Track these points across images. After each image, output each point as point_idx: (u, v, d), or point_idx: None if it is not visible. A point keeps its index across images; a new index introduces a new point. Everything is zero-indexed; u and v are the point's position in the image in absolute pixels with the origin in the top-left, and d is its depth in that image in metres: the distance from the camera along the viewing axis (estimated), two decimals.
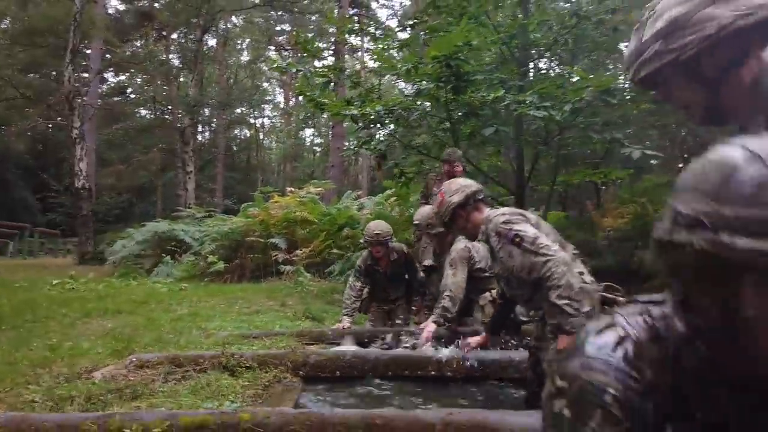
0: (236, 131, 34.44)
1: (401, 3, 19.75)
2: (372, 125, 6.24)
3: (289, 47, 27.35)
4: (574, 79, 7.21)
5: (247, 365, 2.76)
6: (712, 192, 0.59)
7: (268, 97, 36.96)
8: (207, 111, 24.73)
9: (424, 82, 5.37)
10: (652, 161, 5.15)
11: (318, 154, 32.82)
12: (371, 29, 8.02)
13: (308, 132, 33.69)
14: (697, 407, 0.67)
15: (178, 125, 16.76)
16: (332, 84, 8.38)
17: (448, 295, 3.47)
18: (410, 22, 7.84)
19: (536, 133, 6.53)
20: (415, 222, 4.38)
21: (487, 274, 3.52)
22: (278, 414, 1.69)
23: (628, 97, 6.13)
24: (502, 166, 8.22)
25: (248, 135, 37.13)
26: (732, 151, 0.61)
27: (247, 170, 33.79)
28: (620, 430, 0.65)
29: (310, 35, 30.09)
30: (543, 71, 8.16)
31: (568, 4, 6.43)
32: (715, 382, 0.66)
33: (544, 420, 0.74)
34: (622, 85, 5.22)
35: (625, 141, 5.71)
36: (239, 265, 8.71)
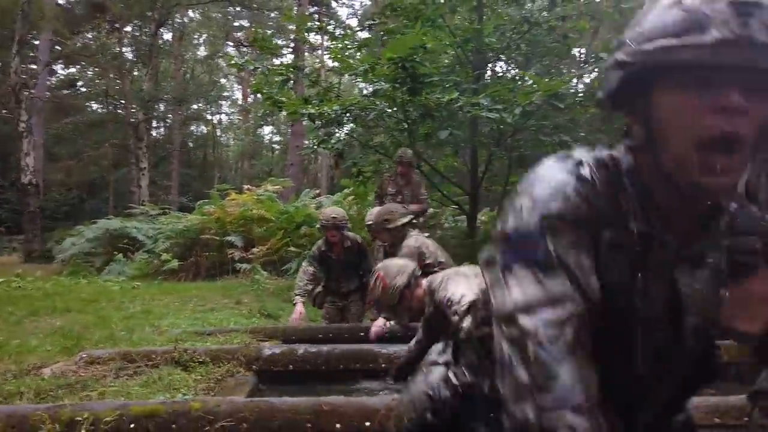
0: (192, 127, 33.76)
1: (361, 2, 19.79)
2: (330, 125, 6.28)
3: (247, 44, 27.00)
4: (528, 83, 7.48)
5: (200, 360, 2.79)
6: None
7: (225, 93, 36.40)
8: (162, 106, 24.17)
9: (380, 83, 5.46)
10: None
11: (277, 152, 32.52)
12: (330, 28, 8.08)
13: (267, 129, 33.33)
14: None
15: (132, 120, 16.33)
16: (291, 82, 8.41)
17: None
18: (369, 23, 7.94)
19: (490, 134, 6.71)
20: (368, 223, 4.48)
21: (437, 269, 3.64)
22: (228, 402, 1.74)
23: (576, 102, 6.40)
24: (458, 167, 8.41)
25: (205, 131, 36.47)
26: None
27: (203, 167, 33.12)
28: None
29: (269, 32, 29.83)
30: (498, 75, 8.37)
31: (522, 11, 6.61)
32: None
33: None
34: (571, 90, 5.43)
35: (575, 144, 5.95)
36: (194, 263, 8.60)
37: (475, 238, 7.02)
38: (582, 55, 13.03)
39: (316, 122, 6.38)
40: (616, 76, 0.73)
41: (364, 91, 6.68)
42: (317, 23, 8.68)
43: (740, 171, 0.69)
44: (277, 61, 11.33)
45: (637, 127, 0.76)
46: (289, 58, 27.26)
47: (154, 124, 26.52)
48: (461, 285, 2.06)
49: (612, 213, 0.75)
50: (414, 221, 4.11)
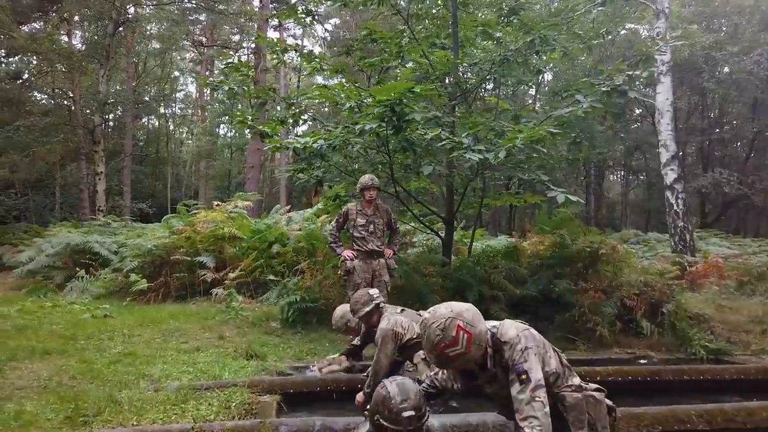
0: (144, 120, 32.68)
1: (325, 8, 19.62)
2: (313, 158, 6.30)
3: (206, 44, 26.34)
4: (501, 111, 7.71)
5: None
6: None
7: (180, 88, 35.41)
8: (113, 98, 23.23)
9: (367, 124, 5.52)
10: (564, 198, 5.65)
11: (234, 152, 31.91)
12: (305, 51, 8.05)
13: (224, 128, 32.63)
14: None
15: (90, 124, 15.66)
16: (264, 105, 8.36)
17: (371, 373, 3.78)
18: (346, 49, 7.97)
19: (469, 168, 6.89)
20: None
21: (417, 339, 3.76)
22: None
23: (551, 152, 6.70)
24: (432, 189, 8.56)
25: (157, 125, 35.36)
26: None
27: (156, 162, 32.18)
28: None
29: (225, 27, 29.14)
30: (473, 98, 8.55)
31: (502, 50, 6.80)
32: None
33: None
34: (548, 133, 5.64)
35: (548, 183, 6.19)
36: (164, 283, 8.43)
37: (450, 266, 7.20)
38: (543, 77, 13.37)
39: (300, 155, 6.40)
40: None
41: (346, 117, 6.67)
42: (291, 45, 8.64)
43: None
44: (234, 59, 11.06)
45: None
46: (250, 58, 26.81)
47: (105, 116, 25.50)
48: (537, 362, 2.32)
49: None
50: (382, 303, 4.16)
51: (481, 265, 7.16)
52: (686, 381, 4.63)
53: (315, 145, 5.95)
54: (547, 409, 2.19)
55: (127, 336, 5.68)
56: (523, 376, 2.21)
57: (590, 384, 2.47)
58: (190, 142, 33.89)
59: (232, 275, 7.93)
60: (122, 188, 19.93)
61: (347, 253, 5.69)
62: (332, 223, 6.02)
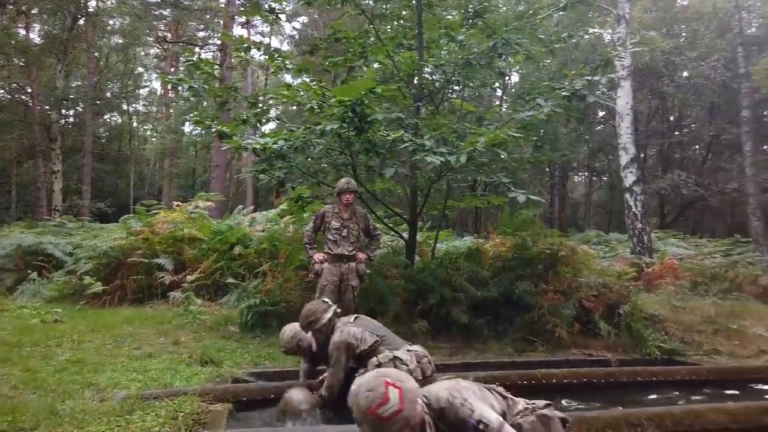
0: (106, 117, 31.85)
1: (292, 7, 19.44)
2: (274, 159, 6.20)
3: (170, 40, 25.78)
4: (465, 113, 7.73)
5: None
6: None
7: (144, 84, 34.57)
8: (72, 94, 22.53)
9: (328, 125, 5.45)
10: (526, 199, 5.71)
11: (199, 150, 31.34)
12: (271, 50, 7.91)
13: (188, 126, 31.99)
14: None
15: (47, 120, 15.13)
16: (226, 104, 8.20)
17: (326, 387, 3.76)
18: (311, 49, 7.88)
19: (432, 170, 6.87)
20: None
21: (375, 346, 3.71)
22: None
23: (514, 154, 6.74)
24: (394, 191, 8.53)
25: (120, 122, 34.47)
26: None
27: (118, 161, 31.38)
28: None
29: (191, 23, 28.58)
30: (437, 99, 8.55)
31: (466, 53, 6.80)
32: None
33: None
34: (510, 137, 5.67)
35: (510, 185, 6.23)
36: (120, 286, 8.17)
37: (413, 267, 7.18)
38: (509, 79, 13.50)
39: (261, 156, 6.28)
40: None
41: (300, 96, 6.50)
42: (257, 42, 8.48)
43: None
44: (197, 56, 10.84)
45: None
46: (215, 54, 26.34)
47: (63, 112, 24.72)
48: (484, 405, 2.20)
49: None
50: (338, 313, 4.07)
51: (443, 268, 7.14)
52: (640, 383, 4.70)
53: (275, 146, 5.86)
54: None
55: (77, 342, 5.47)
56: (481, 425, 2.11)
57: (537, 402, 2.44)
58: (154, 139, 33.13)
59: (190, 278, 7.74)
60: (81, 187, 19.31)
61: (317, 257, 5.62)
62: (309, 224, 5.94)
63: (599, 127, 26.31)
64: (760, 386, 5.02)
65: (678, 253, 11.67)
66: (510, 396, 2.45)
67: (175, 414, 3.45)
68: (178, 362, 4.90)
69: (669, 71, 21.62)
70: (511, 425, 2.23)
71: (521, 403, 2.42)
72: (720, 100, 22.83)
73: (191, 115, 29.21)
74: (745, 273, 9.18)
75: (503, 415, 2.28)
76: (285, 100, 6.96)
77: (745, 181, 16.81)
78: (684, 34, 23.52)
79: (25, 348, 5.19)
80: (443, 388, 2.26)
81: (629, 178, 10.66)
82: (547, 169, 25.36)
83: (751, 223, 15.36)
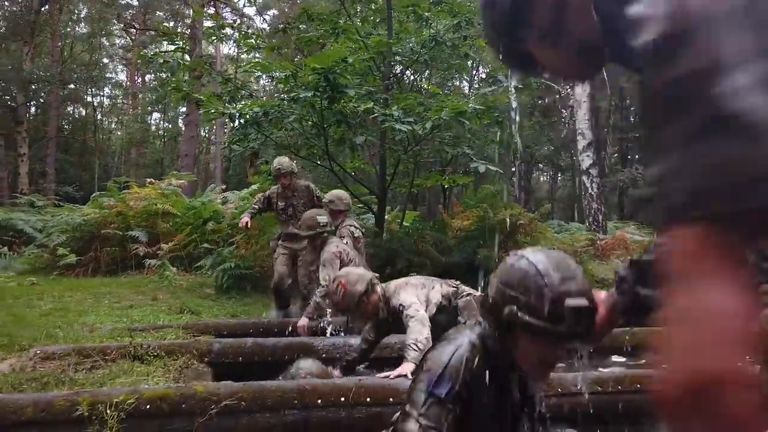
0: (70, 108, 31.25)
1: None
2: (248, 126, 6.47)
3: (138, 27, 25.53)
4: (432, 94, 8.14)
5: (156, 354, 3.01)
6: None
7: (109, 75, 34.02)
8: (44, 91, 22.15)
9: (302, 92, 5.77)
10: (491, 171, 6.14)
11: (166, 140, 31.04)
12: (243, 28, 8.18)
13: (155, 116, 31.69)
14: None
15: (10, 103, 14.96)
16: (200, 78, 8.42)
17: (319, 292, 4.03)
18: (284, 26, 8.17)
19: (399, 142, 7.25)
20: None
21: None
22: (226, 386, 2.05)
23: (476, 113, 7.15)
24: (365, 169, 8.89)
25: (84, 114, 33.86)
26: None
27: (82, 152, 30.83)
28: None
29: (159, 13, 28.35)
30: (406, 82, 8.95)
31: (431, 30, 7.20)
32: None
33: None
34: (470, 106, 6.09)
35: (472, 156, 6.67)
36: (94, 258, 8.30)
37: (382, 237, 7.56)
38: (477, 70, 14.04)
39: (235, 122, 6.54)
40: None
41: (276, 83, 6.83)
42: (229, 22, 8.72)
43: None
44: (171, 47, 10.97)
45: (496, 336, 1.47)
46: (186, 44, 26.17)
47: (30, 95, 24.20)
48: (410, 293, 2.71)
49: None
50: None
51: (410, 237, 7.55)
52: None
53: (250, 112, 6.14)
54: (423, 321, 2.70)
55: (57, 297, 5.66)
56: (400, 307, 2.81)
57: (474, 291, 3.07)
58: (119, 133, 32.64)
59: (165, 247, 7.93)
60: (46, 170, 19.04)
61: (243, 219, 5.57)
62: (256, 202, 5.91)
63: (564, 130, 27.15)
64: None
65: (633, 237, 12.34)
66: (463, 286, 3.11)
67: (163, 338, 3.74)
68: (159, 311, 5.17)
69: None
70: (455, 307, 2.95)
71: (467, 289, 3.09)
72: None
73: (159, 107, 29.01)
74: None
75: (448, 299, 2.96)
76: (259, 72, 7.23)
77: None
78: None
79: (7, 300, 5.36)
80: (394, 283, 3.07)
81: (586, 161, 11.27)
82: (512, 162, 26.01)
83: None
